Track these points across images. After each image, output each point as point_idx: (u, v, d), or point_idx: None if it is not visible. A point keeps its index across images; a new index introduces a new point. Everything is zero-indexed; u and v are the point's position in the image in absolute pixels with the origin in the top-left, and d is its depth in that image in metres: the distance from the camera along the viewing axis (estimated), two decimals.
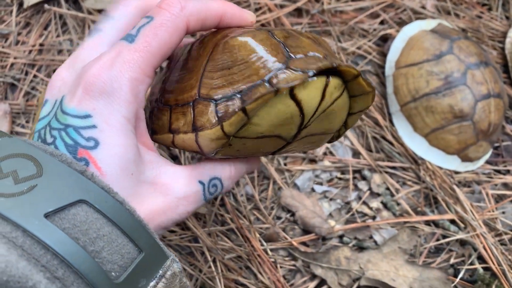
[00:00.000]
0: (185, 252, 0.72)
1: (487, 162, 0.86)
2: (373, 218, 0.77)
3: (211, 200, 0.39)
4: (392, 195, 0.79)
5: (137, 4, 0.41)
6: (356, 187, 0.80)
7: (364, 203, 0.79)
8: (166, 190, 0.36)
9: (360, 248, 0.74)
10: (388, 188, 0.80)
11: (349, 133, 0.84)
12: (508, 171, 0.86)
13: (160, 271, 0.31)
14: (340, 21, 0.91)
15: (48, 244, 0.26)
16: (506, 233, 0.77)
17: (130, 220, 0.30)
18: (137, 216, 0.31)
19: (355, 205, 0.79)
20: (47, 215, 0.27)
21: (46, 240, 0.26)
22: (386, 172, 0.82)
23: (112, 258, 0.29)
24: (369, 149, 0.83)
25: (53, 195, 0.28)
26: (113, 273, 0.28)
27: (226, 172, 0.41)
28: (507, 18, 1.03)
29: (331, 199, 0.79)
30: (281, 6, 0.90)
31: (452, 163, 0.82)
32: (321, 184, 0.81)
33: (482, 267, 0.73)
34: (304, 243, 0.74)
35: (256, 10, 0.91)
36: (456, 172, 0.83)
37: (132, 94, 0.34)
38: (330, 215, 0.77)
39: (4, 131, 0.76)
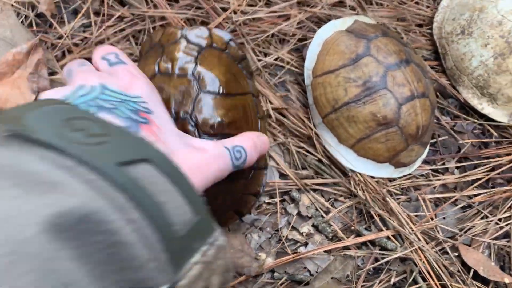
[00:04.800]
0: None
1: (425, 161, 0.81)
2: (305, 245, 0.71)
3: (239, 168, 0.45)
4: (323, 216, 0.73)
5: None
6: (285, 212, 0.74)
7: (294, 228, 0.73)
8: (203, 150, 0.41)
9: (294, 282, 0.68)
10: (318, 209, 0.74)
11: (273, 152, 0.78)
12: (446, 169, 0.81)
13: (210, 239, 0.32)
14: (259, 30, 0.84)
15: (124, 186, 0.27)
16: (446, 241, 0.72)
17: (186, 183, 0.32)
18: (190, 181, 0.32)
19: (286, 232, 0.73)
20: (118, 164, 0.28)
21: (122, 182, 0.27)
22: (316, 190, 0.76)
23: (174, 212, 0.30)
24: (297, 167, 0.77)
25: (122, 151, 0.30)
26: (174, 227, 0.29)
27: (247, 142, 0.47)
28: (434, 0, 0.97)
29: (260, 229, 0.73)
30: (192, 24, 0.82)
31: (384, 171, 0.77)
32: (249, 213, 0.74)
33: (426, 284, 0.68)
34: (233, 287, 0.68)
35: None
36: (392, 180, 0.78)
37: None
38: (260, 247, 0.71)
39: None
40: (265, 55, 0.83)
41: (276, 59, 0.83)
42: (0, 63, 0.73)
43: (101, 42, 0.80)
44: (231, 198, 0.61)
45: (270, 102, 0.79)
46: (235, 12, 0.83)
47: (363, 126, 0.73)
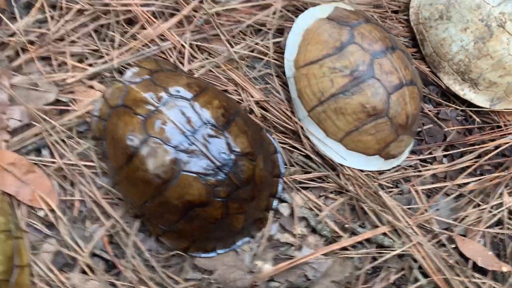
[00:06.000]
0: None
1: (412, 151, 0.78)
2: (299, 248, 0.67)
3: None
4: (317, 215, 0.69)
5: None
6: (277, 213, 0.69)
7: (287, 231, 0.68)
8: None
9: None
10: (312, 209, 0.69)
11: None
12: (434, 158, 0.79)
13: None
14: (233, 20, 0.78)
15: None
16: (442, 233, 0.69)
17: None
18: None
19: (278, 236, 0.68)
20: None
21: None
22: (306, 188, 0.71)
23: None
24: (285, 164, 0.72)
25: None
26: None
27: None
28: None
29: (252, 236, 0.67)
30: (157, 16, 0.75)
31: (374, 164, 0.73)
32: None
33: (427, 280, 0.65)
34: None
35: (129, 23, 0.75)
36: (381, 173, 0.75)
37: None
38: (255, 256, 0.66)
39: None
40: (242, 46, 0.77)
41: (252, 51, 0.78)
42: None
43: (60, 39, 0.72)
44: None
45: (251, 96, 0.74)
46: (206, 1, 0.77)
47: (352, 118, 0.69)
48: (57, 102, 0.68)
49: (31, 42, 0.70)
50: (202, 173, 0.57)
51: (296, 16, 0.78)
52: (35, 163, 0.65)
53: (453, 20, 0.82)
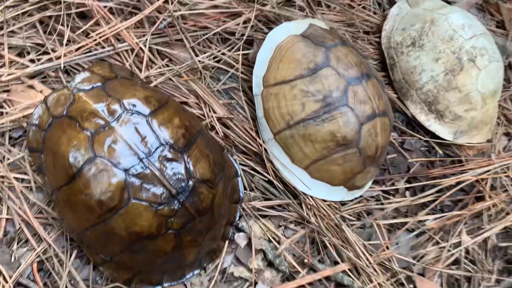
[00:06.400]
0: None
1: (375, 181, 0.75)
2: (254, 284, 0.62)
3: None
4: (275, 248, 0.64)
5: None
6: (232, 243, 0.64)
7: (242, 264, 0.63)
8: None
9: None
10: (271, 240, 0.64)
11: None
12: (397, 190, 0.76)
13: None
14: (200, 26, 0.71)
15: None
16: (401, 272, 0.67)
17: None
18: None
19: (233, 270, 0.62)
20: None
21: None
22: (265, 216, 0.66)
23: None
24: (244, 188, 0.66)
25: None
26: None
27: None
28: (379, 4, 0.92)
29: (204, 269, 0.61)
30: (115, 13, 0.67)
31: (338, 194, 0.69)
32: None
33: None
34: None
35: (82, 17, 0.66)
36: (343, 203, 0.71)
37: None
38: None
39: None
40: (207, 55, 0.71)
41: (218, 61, 0.71)
42: None
43: None
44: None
45: (214, 111, 0.67)
46: (171, 2, 0.69)
47: (321, 146, 0.64)
48: None
49: None
50: (154, 202, 0.50)
51: (268, 28, 0.73)
52: None
53: (425, 48, 0.80)
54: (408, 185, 0.76)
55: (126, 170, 0.50)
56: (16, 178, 0.57)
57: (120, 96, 0.54)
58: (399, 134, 0.83)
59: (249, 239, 0.63)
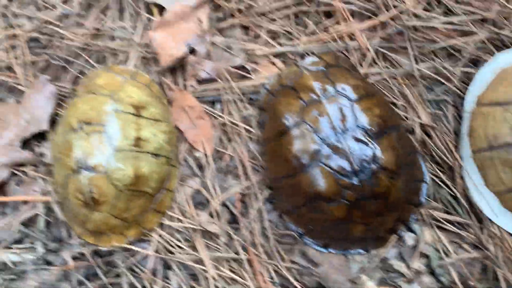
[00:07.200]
0: (187, 272, 0.67)
1: None
2: (410, 282, 0.64)
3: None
4: (441, 258, 0.65)
5: None
6: (400, 240, 0.67)
7: (403, 260, 0.66)
8: None
9: None
10: (438, 250, 0.65)
11: None
12: None
13: None
14: (428, 39, 0.76)
15: None
16: None
17: None
18: None
19: (393, 262, 0.66)
20: None
21: None
22: (441, 228, 0.67)
23: None
24: (428, 195, 0.69)
25: None
26: None
27: None
28: None
29: (367, 251, 0.67)
30: (355, 15, 0.78)
31: None
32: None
33: None
34: None
35: (327, 16, 0.79)
36: None
37: None
38: (363, 270, 0.66)
39: (48, 112, 0.76)
40: (427, 66, 0.75)
41: (437, 73, 0.75)
42: (169, 11, 0.77)
43: (263, 14, 0.79)
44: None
45: (419, 117, 0.72)
46: (408, 14, 0.76)
47: None
48: (241, 67, 0.76)
49: (239, 10, 0.79)
50: (337, 171, 0.59)
51: (498, 51, 0.72)
52: (207, 112, 0.74)
53: None
54: None
55: (322, 139, 0.60)
56: (245, 128, 0.73)
57: (335, 80, 0.64)
58: None
59: (417, 242, 0.66)
